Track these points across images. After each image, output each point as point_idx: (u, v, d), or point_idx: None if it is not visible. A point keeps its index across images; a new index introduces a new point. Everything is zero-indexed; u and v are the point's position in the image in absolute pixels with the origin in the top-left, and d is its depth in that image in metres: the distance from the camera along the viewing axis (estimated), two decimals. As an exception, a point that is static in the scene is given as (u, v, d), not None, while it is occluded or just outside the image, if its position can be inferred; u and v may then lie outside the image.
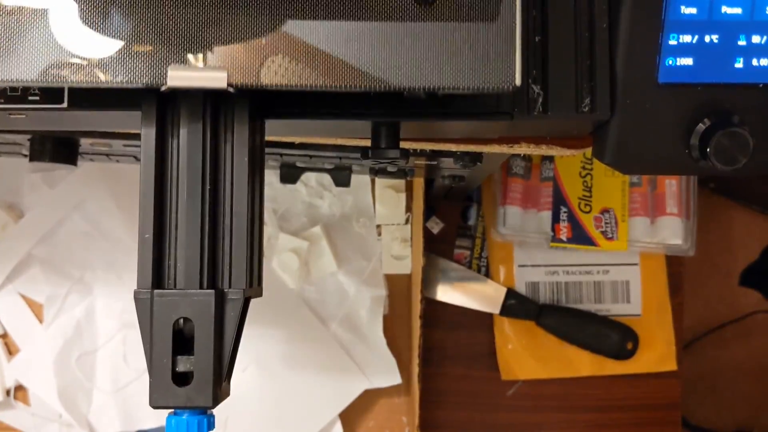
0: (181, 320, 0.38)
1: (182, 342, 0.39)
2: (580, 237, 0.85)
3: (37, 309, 0.81)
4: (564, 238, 0.84)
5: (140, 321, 0.38)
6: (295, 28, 0.42)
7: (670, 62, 0.46)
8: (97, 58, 0.40)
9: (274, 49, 0.42)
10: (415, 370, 0.77)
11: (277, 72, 0.41)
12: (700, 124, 0.46)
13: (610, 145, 0.47)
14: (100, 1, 0.40)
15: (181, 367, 0.38)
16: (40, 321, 0.80)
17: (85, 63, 0.40)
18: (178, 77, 0.39)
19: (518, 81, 0.41)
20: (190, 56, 0.41)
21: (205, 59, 0.40)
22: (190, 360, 0.38)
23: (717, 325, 1.15)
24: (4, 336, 0.81)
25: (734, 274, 1.18)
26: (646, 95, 0.46)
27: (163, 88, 0.39)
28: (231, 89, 0.39)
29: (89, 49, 0.40)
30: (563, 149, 0.53)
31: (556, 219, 0.84)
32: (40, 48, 0.40)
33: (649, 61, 0.46)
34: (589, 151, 0.53)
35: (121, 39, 0.40)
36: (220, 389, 0.39)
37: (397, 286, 0.84)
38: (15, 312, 0.80)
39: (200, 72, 0.40)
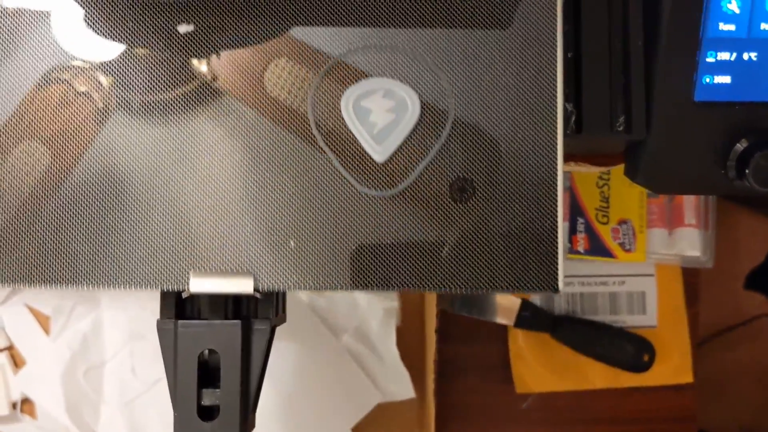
0: (206, 351, 0.37)
1: (207, 374, 0.37)
2: (598, 248, 0.84)
3: (43, 321, 0.79)
4: (581, 250, 0.82)
5: (163, 352, 0.37)
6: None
7: (707, 80, 0.44)
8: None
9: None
10: (431, 385, 0.76)
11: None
12: (738, 144, 0.44)
13: (644, 164, 0.46)
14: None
15: (206, 401, 0.37)
16: (47, 333, 0.79)
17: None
18: (200, 284, 0.40)
19: (561, 286, 0.41)
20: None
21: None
22: (216, 393, 0.37)
23: (722, 328, 1.13)
24: (11, 348, 0.80)
25: (739, 277, 1.16)
26: (682, 114, 0.45)
27: (184, 295, 0.39)
28: (258, 294, 0.39)
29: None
30: (591, 167, 0.51)
31: (573, 230, 0.82)
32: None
33: (685, 79, 0.44)
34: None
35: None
36: (246, 423, 0.37)
37: (409, 297, 0.82)
38: (21, 324, 0.79)
39: (224, 278, 0.40)
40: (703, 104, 0.45)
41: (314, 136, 0.45)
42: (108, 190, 0.41)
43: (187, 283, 0.40)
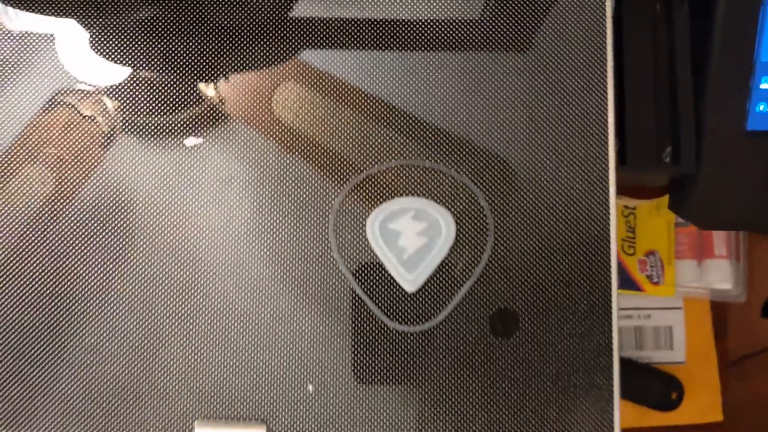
0: None
1: None
2: (625, 282, 0.79)
3: None
4: (608, 290, 0.77)
5: None
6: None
7: (761, 108, 0.39)
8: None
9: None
10: None
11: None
12: (794, 176, 0.39)
13: (692, 198, 0.41)
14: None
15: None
16: None
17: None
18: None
19: None
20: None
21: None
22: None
23: (737, 358, 1.10)
24: None
25: (756, 305, 1.12)
26: (734, 144, 0.40)
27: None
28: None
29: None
30: (632, 200, 0.47)
31: (598, 268, 0.77)
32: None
33: (737, 107, 0.39)
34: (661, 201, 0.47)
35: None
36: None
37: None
38: None
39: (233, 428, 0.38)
40: (756, 133, 0.40)
41: (335, 261, 0.40)
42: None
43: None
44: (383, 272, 0.40)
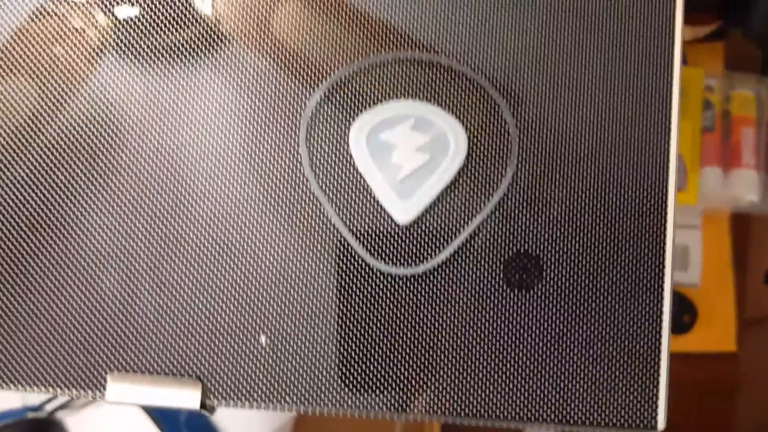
0: None
1: None
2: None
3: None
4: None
5: None
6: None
7: None
8: None
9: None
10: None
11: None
12: None
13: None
14: None
15: None
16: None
17: None
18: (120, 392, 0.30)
19: (662, 425, 0.30)
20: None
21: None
22: None
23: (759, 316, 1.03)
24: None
25: (758, 271, 1.05)
26: None
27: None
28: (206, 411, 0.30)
29: None
30: None
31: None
32: None
33: None
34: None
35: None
36: None
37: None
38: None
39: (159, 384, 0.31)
40: None
41: (306, 179, 0.31)
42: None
43: (103, 390, 0.28)
44: (369, 197, 0.30)
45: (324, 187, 0.31)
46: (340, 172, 0.31)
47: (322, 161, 0.31)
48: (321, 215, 0.31)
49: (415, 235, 0.31)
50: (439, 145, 0.30)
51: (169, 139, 0.32)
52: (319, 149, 0.31)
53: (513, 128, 0.31)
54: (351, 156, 0.31)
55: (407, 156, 0.30)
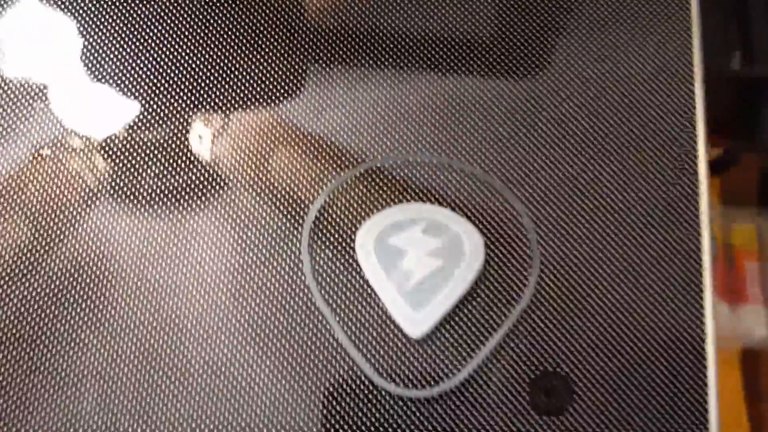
0: None
1: None
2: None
3: None
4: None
5: None
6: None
7: None
8: None
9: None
10: None
11: None
12: None
13: None
14: None
15: None
16: None
17: None
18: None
19: None
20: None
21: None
22: None
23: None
24: None
25: None
26: None
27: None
28: None
29: None
30: None
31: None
32: None
33: None
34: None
35: None
36: None
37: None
38: None
39: None
40: None
41: (308, 288, 0.27)
42: None
43: None
44: (377, 307, 0.27)
45: (328, 299, 0.27)
46: (345, 281, 0.28)
47: (326, 270, 0.28)
48: (324, 330, 0.27)
49: (429, 352, 0.27)
50: (453, 251, 0.28)
51: (162, 279, 0.29)
52: (323, 257, 0.28)
53: (533, 236, 0.28)
54: (357, 261, 0.28)
55: (418, 262, 0.27)
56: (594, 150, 0.29)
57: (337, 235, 0.28)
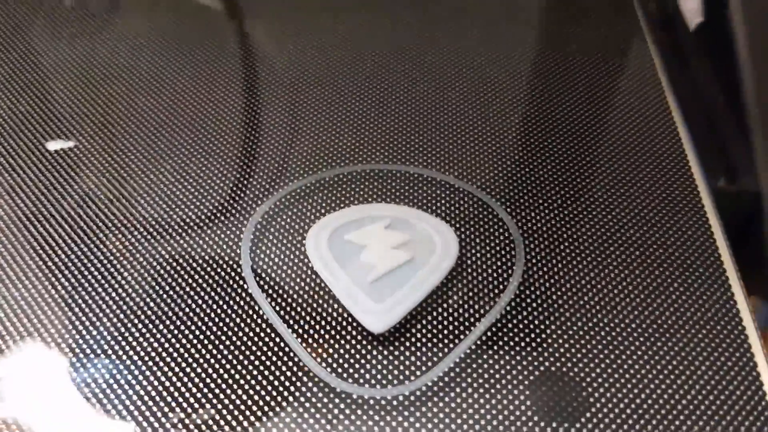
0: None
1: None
2: None
3: None
4: None
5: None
6: None
7: None
8: None
9: None
10: None
11: None
12: None
13: None
14: None
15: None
16: None
17: None
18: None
19: None
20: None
21: None
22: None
23: None
24: None
25: None
26: None
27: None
28: None
29: None
30: None
31: None
32: None
33: None
34: None
35: None
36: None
37: None
38: None
39: None
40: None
41: (244, 280, 0.23)
42: None
43: None
44: (328, 299, 0.23)
45: (267, 289, 0.23)
46: (290, 274, 0.24)
47: (267, 262, 0.24)
48: (266, 327, 0.22)
49: (393, 350, 0.22)
50: (422, 244, 0.24)
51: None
52: (268, 252, 0.24)
53: (516, 233, 0.25)
54: (306, 259, 0.24)
55: (381, 254, 0.24)
56: (585, 154, 0.28)
57: (284, 240, 0.25)
